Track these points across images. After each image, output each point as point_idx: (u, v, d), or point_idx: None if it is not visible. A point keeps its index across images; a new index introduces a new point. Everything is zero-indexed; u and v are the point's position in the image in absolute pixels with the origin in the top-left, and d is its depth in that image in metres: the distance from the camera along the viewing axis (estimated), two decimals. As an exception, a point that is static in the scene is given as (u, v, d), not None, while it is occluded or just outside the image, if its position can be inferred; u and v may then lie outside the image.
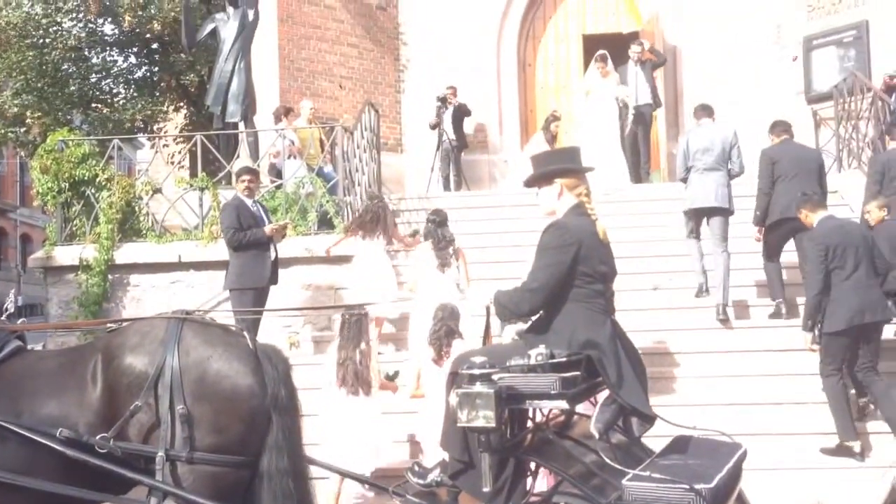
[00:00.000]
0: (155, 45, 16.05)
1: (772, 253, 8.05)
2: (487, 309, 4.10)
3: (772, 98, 12.79)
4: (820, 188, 7.71)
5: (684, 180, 8.23)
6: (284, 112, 10.94)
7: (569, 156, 4.12)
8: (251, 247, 7.72)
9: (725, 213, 7.98)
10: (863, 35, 12.24)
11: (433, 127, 12.73)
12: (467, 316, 6.57)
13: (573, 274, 3.73)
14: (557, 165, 3.96)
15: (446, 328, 6.09)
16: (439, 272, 7.70)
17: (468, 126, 13.32)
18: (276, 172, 10.52)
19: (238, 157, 10.31)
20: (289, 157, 10.30)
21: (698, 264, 8.21)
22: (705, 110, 8.40)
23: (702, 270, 8.21)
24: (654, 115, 12.48)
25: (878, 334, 6.48)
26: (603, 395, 3.82)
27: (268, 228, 7.86)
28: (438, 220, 7.91)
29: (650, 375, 6.84)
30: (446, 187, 12.69)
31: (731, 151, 7.96)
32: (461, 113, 12.82)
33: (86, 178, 9.75)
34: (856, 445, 6.26)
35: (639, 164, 11.90)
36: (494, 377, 3.46)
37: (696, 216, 8.09)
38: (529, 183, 4.07)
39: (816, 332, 6.48)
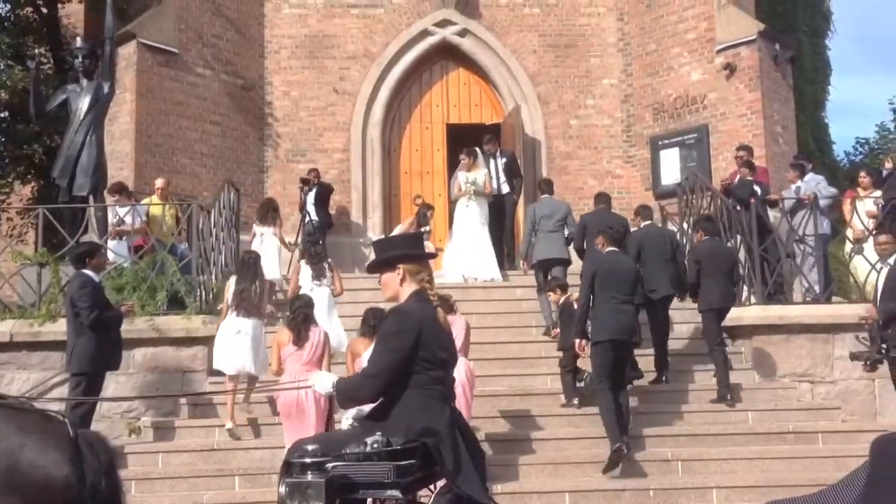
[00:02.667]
0: (2, 115, 15.30)
1: None
2: (330, 397, 4.02)
3: (624, 192, 13.58)
4: (675, 265, 9.13)
5: (530, 241, 10.32)
6: (116, 189, 10.49)
7: (412, 242, 4.15)
8: (109, 328, 7.56)
9: (565, 263, 10.04)
10: (703, 138, 13.18)
11: (301, 209, 12.65)
12: (338, 323, 8.78)
13: (413, 360, 3.70)
14: (400, 251, 3.96)
15: (303, 315, 7.20)
16: (315, 283, 8.98)
17: (333, 209, 13.30)
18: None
19: (86, 232, 9.86)
20: (119, 238, 10.01)
21: (548, 311, 9.74)
22: (547, 185, 10.89)
23: (549, 315, 9.70)
24: (514, 204, 12.84)
25: (629, 351, 7.63)
26: (441, 484, 3.78)
27: (125, 308, 7.94)
28: (313, 241, 9.71)
29: (498, 463, 6.93)
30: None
31: (566, 219, 10.16)
32: (325, 192, 12.80)
33: None
34: (624, 447, 7.06)
35: (503, 253, 12.12)
36: (328, 465, 3.37)
37: (543, 267, 9.98)
38: (372, 269, 4.06)
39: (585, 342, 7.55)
